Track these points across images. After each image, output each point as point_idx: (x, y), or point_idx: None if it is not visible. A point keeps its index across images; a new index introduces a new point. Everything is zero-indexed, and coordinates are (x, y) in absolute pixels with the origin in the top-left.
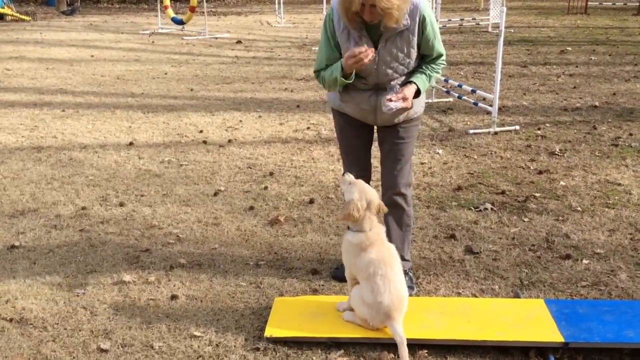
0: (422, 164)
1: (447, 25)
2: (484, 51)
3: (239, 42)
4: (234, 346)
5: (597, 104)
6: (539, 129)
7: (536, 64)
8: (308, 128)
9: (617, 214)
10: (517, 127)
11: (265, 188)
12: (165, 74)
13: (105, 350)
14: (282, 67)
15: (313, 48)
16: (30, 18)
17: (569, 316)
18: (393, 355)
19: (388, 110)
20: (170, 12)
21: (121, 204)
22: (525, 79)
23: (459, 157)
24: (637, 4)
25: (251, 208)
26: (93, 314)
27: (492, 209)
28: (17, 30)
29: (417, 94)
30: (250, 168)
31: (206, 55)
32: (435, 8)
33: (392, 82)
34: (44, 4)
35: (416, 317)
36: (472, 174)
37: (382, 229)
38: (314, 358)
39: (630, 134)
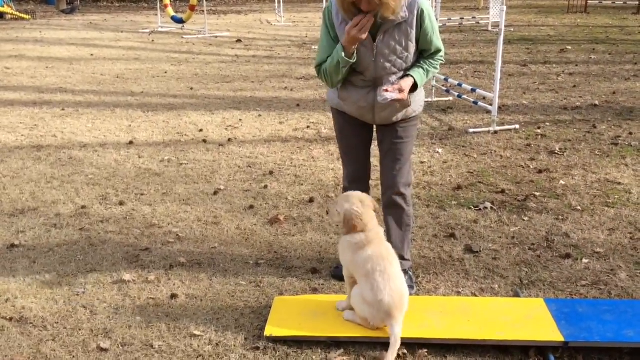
0: (422, 163)
1: (447, 24)
2: (484, 50)
3: (239, 41)
4: (234, 345)
5: (597, 102)
6: (538, 128)
7: (536, 63)
8: (308, 127)
9: (617, 213)
10: (517, 126)
11: (265, 187)
12: (165, 72)
13: (105, 350)
14: (282, 66)
15: (313, 47)
16: (30, 17)
17: (569, 315)
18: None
19: (383, 101)
20: (170, 11)
21: (121, 203)
22: (525, 78)
23: (458, 156)
24: (637, 2)
25: (251, 207)
26: (93, 313)
27: (492, 208)
28: (16, 29)
29: (414, 88)
30: (250, 167)
31: (206, 54)
32: (436, 7)
33: (390, 78)
34: (43, 2)
35: (416, 317)
36: (472, 173)
37: (380, 229)
38: (313, 357)
39: (630, 133)
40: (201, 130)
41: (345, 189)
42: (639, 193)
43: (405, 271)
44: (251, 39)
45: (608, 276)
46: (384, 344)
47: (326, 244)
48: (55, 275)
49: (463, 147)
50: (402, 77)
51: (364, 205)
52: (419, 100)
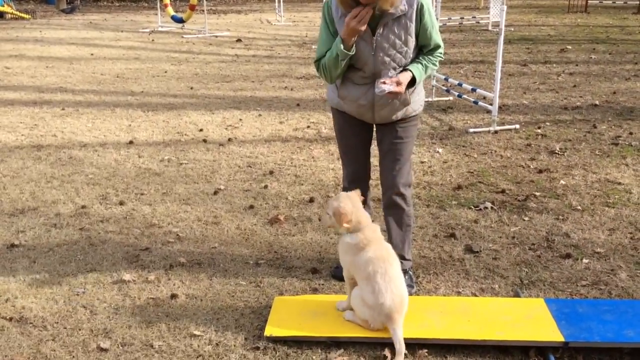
0: (422, 162)
1: (448, 23)
2: (484, 50)
3: (239, 40)
4: (234, 345)
5: (597, 102)
6: (539, 127)
7: (536, 63)
8: (308, 127)
9: (617, 213)
10: (517, 126)
11: (265, 187)
12: (165, 72)
13: (105, 350)
14: (282, 66)
15: (313, 46)
16: (30, 16)
17: (569, 315)
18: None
19: (380, 92)
20: (170, 11)
21: (121, 203)
22: (526, 77)
23: (459, 156)
24: (638, 2)
25: (251, 207)
26: (93, 313)
27: (492, 208)
28: (16, 29)
29: (413, 83)
30: (250, 167)
31: (206, 53)
32: (436, 6)
33: (389, 73)
34: (43, 2)
35: (416, 317)
36: (472, 172)
37: (377, 228)
38: (313, 357)
39: (631, 133)
40: (201, 130)
41: (345, 189)
42: (639, 193)
43: (405, 271)
44: (251, 38)
45: (608, 276)
46: (384, 344)
47: (326, 244)
48: (55, 275)
49: (463, 146)
50: (400, 72)
51: (353, 203)
52: (419, 100)
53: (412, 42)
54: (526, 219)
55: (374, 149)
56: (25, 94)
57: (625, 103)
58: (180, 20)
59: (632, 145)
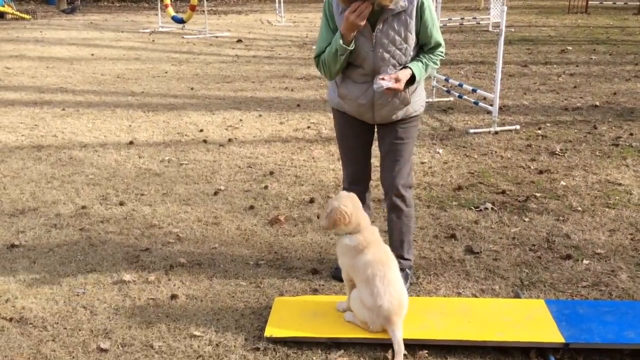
0: (422, 163)
1: (448, 24)
2: (485, 50)
3: (239, 41)
4: (234, 346)
5: (597, 103)
6: (539, 128)
7: (537, 64)
8: (308, 127)
9: (618, 214)
10: (518, 127)
11: (266, 187)
12: (166, 72)
13: (105, 350)
14: (283, 66)
15: (313, 47)
16: (30, 16)
17: (570, 316)
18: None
19: (378, 88)
20: (171, 11)
21: (121, 203)
22: (526, 78)
23: (459, 156)
24: (638, 3)
25: (251, 207)
26: (93, 313)
27: (492, 208)
28: (17, 29)
29: (412, 80)
30: (251, 167)
31: (206, 54)
32: (436, 7)
33: (388, 69)
34: (44, 2)
35: (416, 317)
36: (472, 173)
37: (375, 229)
38: (314, 358)
39: (631, 134)
40: (201, 131)
41: (345, 190)
42: None
43: (402, 269)
44: (252, 39)
45: (609, 277)
46: (385, 345)
47: (326, 245)
48: (56, 276)
49: (464, 147)
50: (400, 70)
51: (353, 204)
52: (419, 101)
53: (411, 39)
54: (526, 219)
55: (375, 149)
56: (26, 94)
57: (626, 104)
58: (180, 21)
59: (632, 146)
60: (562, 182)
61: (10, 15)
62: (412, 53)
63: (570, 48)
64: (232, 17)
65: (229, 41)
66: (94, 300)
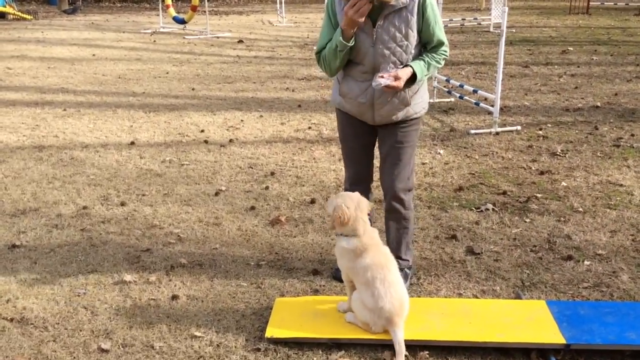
0: (423, 164)
1: (449, 24)
2: (486, 51)
3: (240, 41)
4: (235, 347)
5: (598, 104)
6: (540, 129)
7: (538, 64)
8: (309, 128)
9: (619, 215)
10: (519, 128)
11: (267, 188)
12: (167, 73)
13: (106, 351)
14: (284, 67)
15: (314, 47)
16: (31, 17)
17: (571, 317)
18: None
19: (377, 85)
20: (172, 11)
21: (122, 204)
22: (527, 79)
23: (460, 157)
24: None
25: (252, 208)
26: (94, 313)
27: (493, 209)
28: (18, 29)
29: (414, 79)
30: (252, 168)
31: (208, 54)
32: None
33: (388, 67)
34: (45, 2)
35: (417, 318)
36: (473, 174)
37: (375, 232)
38: (314, 359)
39: (632, 135)
40: (202, 131)
41: (346, 191)
42: None
43: (402, 269)
44: (253, 39)
45: (610, 278)
46: (385, 346)
47: (327, 245)
48: (56, 276)
49: (464, 148)
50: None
51: (358, 208)
52: (420, 103)
53: (413, 36)
54: (527, 220)
55: (376, 150)
56: (27, 94)
57: (627, 105)
58: (181, 21)
59: (633, 147)
60: (563, 183)
61: (11, 16)
62: (413, 51)
63: (572, 49)
64: (233, 17)
65: (230, 42)
66: (94, 300)
